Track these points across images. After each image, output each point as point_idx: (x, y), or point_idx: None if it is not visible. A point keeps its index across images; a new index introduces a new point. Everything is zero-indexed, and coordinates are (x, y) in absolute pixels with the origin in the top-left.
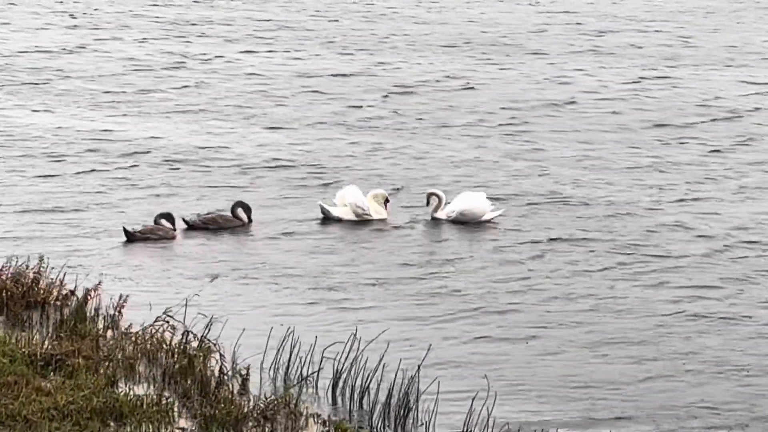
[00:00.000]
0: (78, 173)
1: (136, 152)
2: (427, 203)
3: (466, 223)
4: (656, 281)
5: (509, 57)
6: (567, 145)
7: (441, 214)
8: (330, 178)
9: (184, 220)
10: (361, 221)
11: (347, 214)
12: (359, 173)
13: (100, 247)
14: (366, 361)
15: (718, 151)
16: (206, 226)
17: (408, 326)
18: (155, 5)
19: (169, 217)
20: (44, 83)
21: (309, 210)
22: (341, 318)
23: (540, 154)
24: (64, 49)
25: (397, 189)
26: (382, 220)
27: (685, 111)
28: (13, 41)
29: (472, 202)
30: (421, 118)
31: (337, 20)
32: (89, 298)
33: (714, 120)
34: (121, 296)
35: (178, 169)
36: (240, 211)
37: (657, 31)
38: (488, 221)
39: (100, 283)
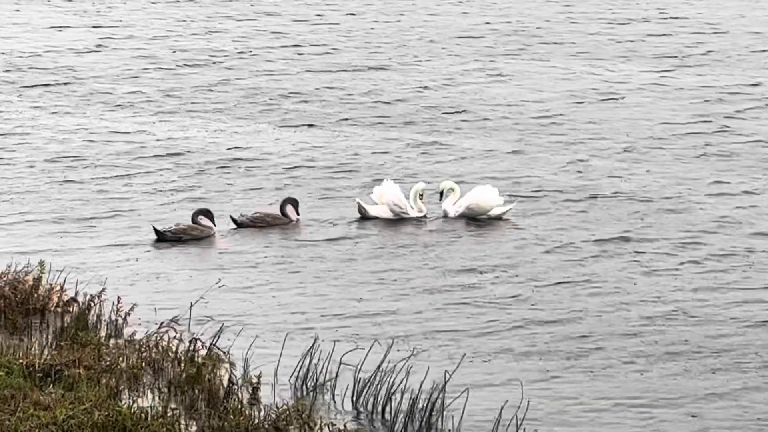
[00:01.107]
0: (102, 178)
1: (156, 155)
2: (441, 196)
3: (475, 218)
4: (714, 283)
5: (540, 51)
6: (607, 140)
7: (450, 210)
8: (367, 175)
9: (232, 218)
10: (399, 219)
11: (385, 213)
12: (396, 169)
13: (110, 252)
14: (389, 370)
15: (761, 141)
16: (255, 224)
17: (438, 335)
18: (174, 3)
19: (207, 213)
20: (62, 84)
21: (345, 209)
22: (363, 324)
23: (579, 149)
24: (82, 49)
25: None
26: (420, 218)
27: (725, 101)
28: (28, 42)
29: (479, 195)
30: (457, 112)
31: (355, 14)
32: (92, 304)
33: (754, 108)
34: (121, 300)
35: (207, 171)
36: (289, 209)
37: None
38: (500, 217)
39: (103, 289)
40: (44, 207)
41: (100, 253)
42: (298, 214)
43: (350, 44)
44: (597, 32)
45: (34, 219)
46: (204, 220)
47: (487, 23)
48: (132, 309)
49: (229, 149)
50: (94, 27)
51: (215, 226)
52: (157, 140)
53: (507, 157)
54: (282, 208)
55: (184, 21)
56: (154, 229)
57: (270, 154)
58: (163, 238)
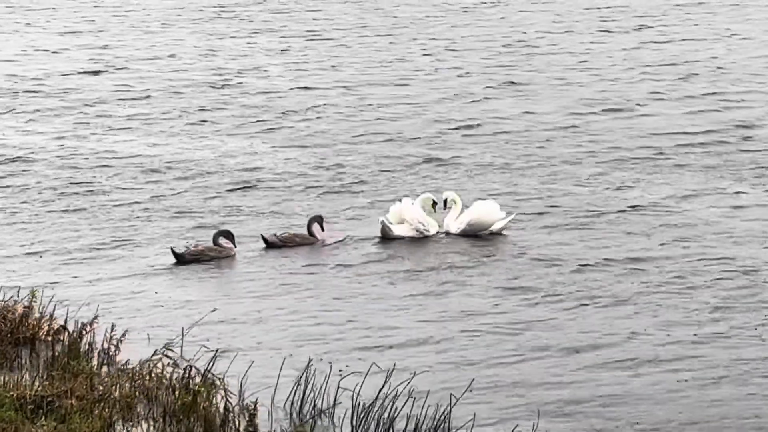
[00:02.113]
0: (102, 202)
1: (158, 170)
2: (445, 206)
3: (477, 234)
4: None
5: (551, 62)
6: (628, 151)
7: (452, 227)
8: (385, 193)
9: (263, 237)
10: (414, 238)
11: (408, 231)
12: (410, 186)
13: (104, 279)
14: (390, 395)
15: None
16: (285, 244)
17: (442, 359)
18: (181, 20)
19: (228, 234)
20: (61, 108)
21: (349, 228)
22: (363, 348)
23: (601, 160)
24: (87, 71)
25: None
26: (435, 236)
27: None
28: (31, 62)
29: (481, 211)
30: (467, 126)
31: (351, 28)
32: (84, 332)
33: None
34: (114, 328)
35: (212, 190)
36: (315, 227)
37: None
38: (500, 232)
39: (96, 316)
40: (42, 235)
41: (94, 280)
42: (323, 230)
43: (350, 60)
44: (598, 43)
45: (33, 247)
46: (225, 242)
47: (489, 34)
48: (124, 336)
49: (239, 170)
50: (91, 49)
51: (236, 247)
52: (158, 158)
53: (513, 171)
54: (309, 227)
55: (183, 40)
56: (172, 250)
57: (276, 173)
58: (182, 260)
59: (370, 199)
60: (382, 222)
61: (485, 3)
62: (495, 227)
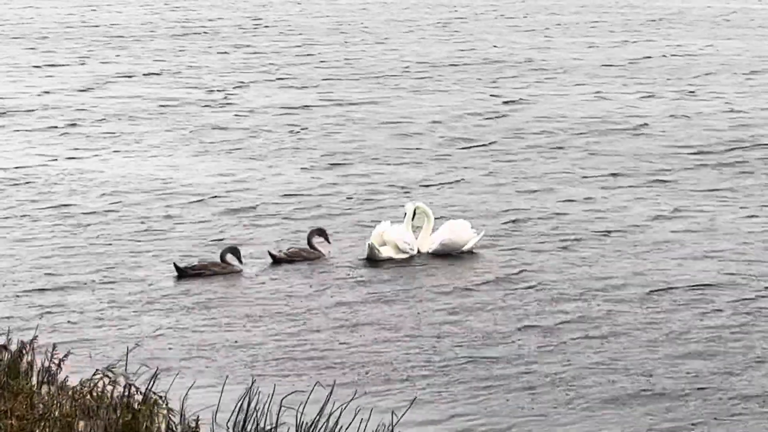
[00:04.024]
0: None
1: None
2: (413, 217)
3: (449, 253)
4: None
5: (547, 76)
6: (632, 169)
7: (423, 246)
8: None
9: (270, 253)
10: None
11: (395, 253)
12: (392, 205)
13: (49, 297)
14: (334, 412)
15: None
16: (292, 259)
17: (385, 375)
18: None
19: (235, 251)
20: (55, 127)
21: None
22: (306, 366)
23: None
24: (84, 89)
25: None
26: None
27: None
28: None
29: (453, 231)
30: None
31: (348, 42)
32: (24, 351)
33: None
34: (56, 347)
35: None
36: (316, 240)
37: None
38: (471, 250)
39: (35, 337)
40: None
41: (37, 299)
42: (328, 242)
43: (350, 73)
44: (597, 56)
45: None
46: (231, 258)
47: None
48: (67, 356)
49: (238, 190)
50: (83, 67)
51: (242, 264)
52: (154, 179)
53: (507, 187)
54: (309, 240)
55: (179, 55)
56: (175, 265)
57: (262, 192)
58: (184, 275)
59: (349, 220)
60: (371, 245)
61: (464, 18)
62: (467, 246)
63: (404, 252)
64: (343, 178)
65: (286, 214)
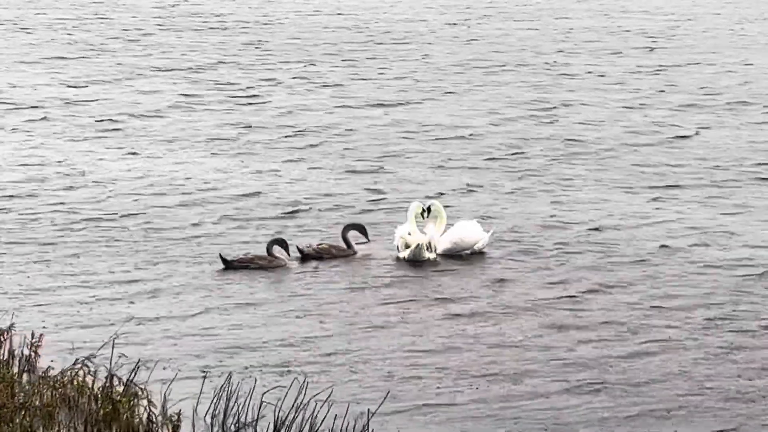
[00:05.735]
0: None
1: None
2: (428, 215)
3: (459, 254)
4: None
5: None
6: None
7: (431, 252)
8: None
9: (298, 248)
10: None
11: (430, 252)
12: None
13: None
14: (312, 405)
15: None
16: (321, 255)
17: (361, 370)
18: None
19: (282, 243)
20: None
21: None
22: (286, 359)
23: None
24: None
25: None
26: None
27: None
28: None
29: (463, 231)
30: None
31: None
32: (2, 339)
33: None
34: (35, 335)
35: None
36: (350, 236)
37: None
38: (480, 250)
39: (12, 324)
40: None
41: (22, 286)
42: (367, 239)
43: (360, 81)
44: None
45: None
46: (278, 250)
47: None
48: (41, 341)
49: (267, 191)
50: (93, 63)
51: (289, 256)
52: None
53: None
54: (344, 236)
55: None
56: (221, 256)
57: (279, 192)
58: (230, 267)
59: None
60: (419, 246)
61: (468, 20)
62: (477, 246)
63: (431, 252)
64: (378, 181)
65: (322, 213)
